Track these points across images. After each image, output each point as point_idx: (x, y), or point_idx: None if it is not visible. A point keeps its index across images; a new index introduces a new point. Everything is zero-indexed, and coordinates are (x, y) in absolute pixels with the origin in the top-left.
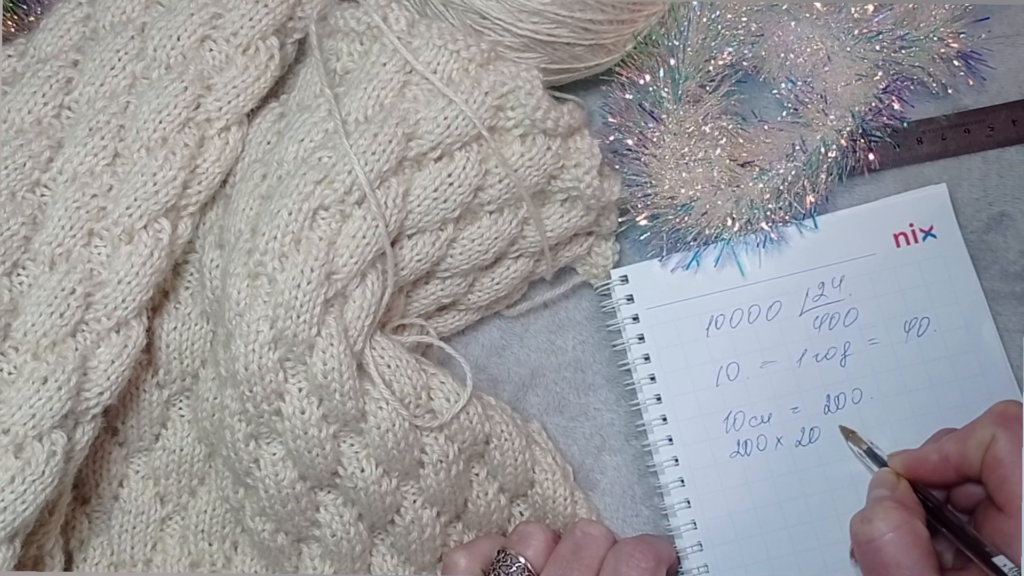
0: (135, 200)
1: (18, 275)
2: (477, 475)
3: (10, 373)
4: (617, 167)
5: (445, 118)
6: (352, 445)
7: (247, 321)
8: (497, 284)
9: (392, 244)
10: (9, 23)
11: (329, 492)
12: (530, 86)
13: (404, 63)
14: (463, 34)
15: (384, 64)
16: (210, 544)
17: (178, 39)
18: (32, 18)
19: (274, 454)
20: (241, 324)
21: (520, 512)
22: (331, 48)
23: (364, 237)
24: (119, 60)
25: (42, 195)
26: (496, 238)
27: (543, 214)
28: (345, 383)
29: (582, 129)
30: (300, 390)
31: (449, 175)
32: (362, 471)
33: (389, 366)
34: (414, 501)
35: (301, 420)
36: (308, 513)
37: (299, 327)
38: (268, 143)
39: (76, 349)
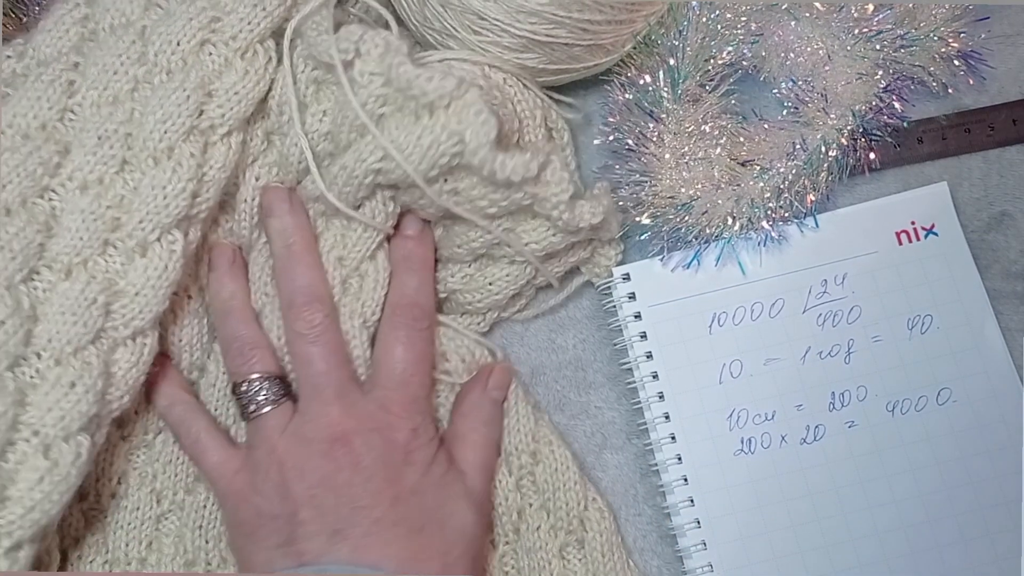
0: (147, 214)
1: (33, 282)
2: None
3: (32, 377)
4: (617, 166)
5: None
6: None
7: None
8: (491, 285)
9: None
10: (8, 24)
11: None
12: (475, 144)
13: (378, 98)
14: (425, 78)
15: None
16: (206, 542)
17: (178, 44)
18: (27, 18)
19: None
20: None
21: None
22: (305, 55)
23: (366, 231)
24: (121, 65)
25: (50, 200)
26: (470, 239)
27: (531, 225)
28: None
29: (552, 163)
30: None
31: (421, 198)
32: None
33: None
34: None
35: None
36: None
37: None
38: (262, 143)
39: (98, 356)
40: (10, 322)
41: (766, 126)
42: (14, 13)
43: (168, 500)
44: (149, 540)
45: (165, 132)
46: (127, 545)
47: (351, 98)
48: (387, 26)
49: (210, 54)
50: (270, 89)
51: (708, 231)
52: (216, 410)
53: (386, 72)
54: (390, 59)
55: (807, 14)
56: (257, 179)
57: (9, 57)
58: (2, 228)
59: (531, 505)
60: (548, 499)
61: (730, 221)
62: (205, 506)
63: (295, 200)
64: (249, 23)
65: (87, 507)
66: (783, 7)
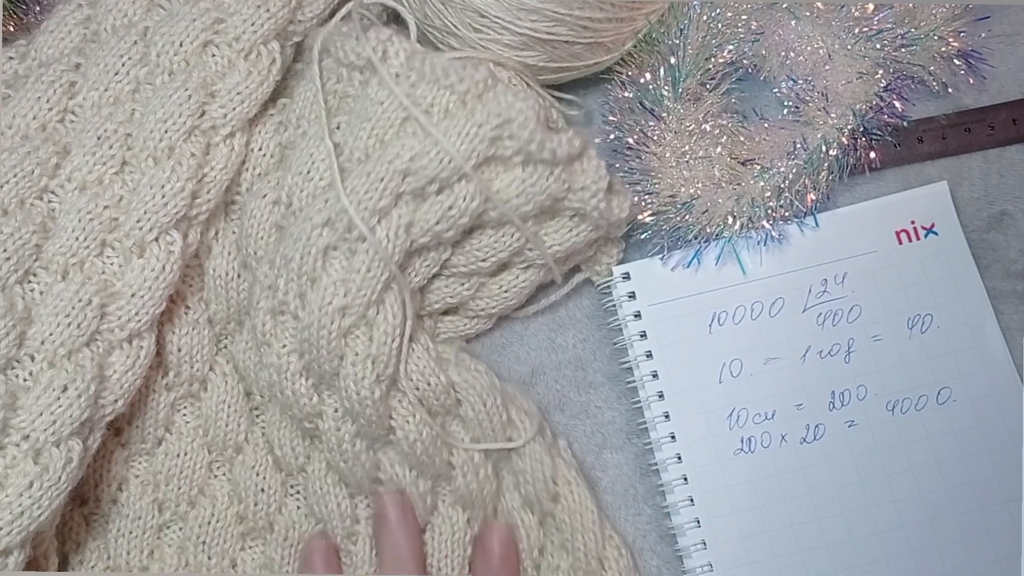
0: (145, 213)
1: (29, 283)
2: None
3: (25, 380)
4: (618, 165)
5: (438, 154)
6: (387, 454)
7: (276, 352)
8: (505, 292)
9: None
10: (8, 25)
11: (366, 498)
12: (523, 118)
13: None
14: (459, 66)
15: (382, 103)
16: (209, 558)
17: (180, 45)
18: (29, 18)
19: (320, 463)
20: (270, 354)
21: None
22: (330, 67)
23: (370, 271)
24: (123, 65)
25: (49, 201)
26: (498, 250)
27: (552, 227)
28: (367, 409)
29: (588, 151)
30: (336, 411)
31: (450, 207)
32: (396, 476)
33: (419, 386)
34: (443, 501)
35: (336, 437)
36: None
37: (323, 358)
38: (272, 156)
39: (92, 359)
40: (2, 323)
41: (767, 125)
42: (15, 12)
43: (170, 511)
44: (150, 549)
45: (166, 131)
46: (128, 552)
47: (393, 88)
48: (395, 17)
49: (213, 55)
50: (274, 92)
51: (708, 230)
52: (227, 425)
53: (417, 66)
54: (420, 54)
55: (807, 13)
56: (264, 196)
57: (11, 58)
58: None
59: (553, 542)
60: (567, 539)
61: (730, 220)
62: (209, 522)
63: (408, 510)
64: (253, 24)
65: (88, 512)
66: (783, 6)
